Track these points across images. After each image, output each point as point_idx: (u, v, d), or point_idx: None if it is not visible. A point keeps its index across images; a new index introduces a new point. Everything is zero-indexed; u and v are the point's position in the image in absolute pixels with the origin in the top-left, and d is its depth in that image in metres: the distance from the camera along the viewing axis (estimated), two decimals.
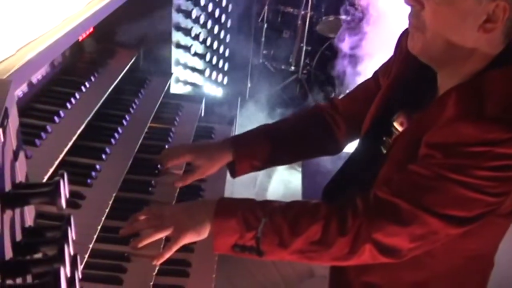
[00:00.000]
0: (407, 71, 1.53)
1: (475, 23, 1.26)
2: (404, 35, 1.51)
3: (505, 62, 1.30)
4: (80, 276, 0.89)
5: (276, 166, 1.90)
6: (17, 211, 0.86)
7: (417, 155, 1.33)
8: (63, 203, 0.80)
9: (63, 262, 0.69)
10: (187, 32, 2.47)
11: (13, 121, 0.90)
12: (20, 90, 1.56)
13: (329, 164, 2.85)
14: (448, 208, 1.26)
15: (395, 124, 1.51)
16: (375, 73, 1.77)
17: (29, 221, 0.94)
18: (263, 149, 1.77)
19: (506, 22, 1.25)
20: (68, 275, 0.72)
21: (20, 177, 0.93)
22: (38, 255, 0.82)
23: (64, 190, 0.82)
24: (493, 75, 1.29)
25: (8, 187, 0.80)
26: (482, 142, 1.20)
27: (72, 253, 0.80)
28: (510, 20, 1.25)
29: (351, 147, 1.78)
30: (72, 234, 0.86)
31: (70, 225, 0.84)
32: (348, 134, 1.82)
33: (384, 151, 1.53)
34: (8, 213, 0.78)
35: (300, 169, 3.55)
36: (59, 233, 0.81)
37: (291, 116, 1.91)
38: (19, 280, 0.73)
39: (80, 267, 1.20)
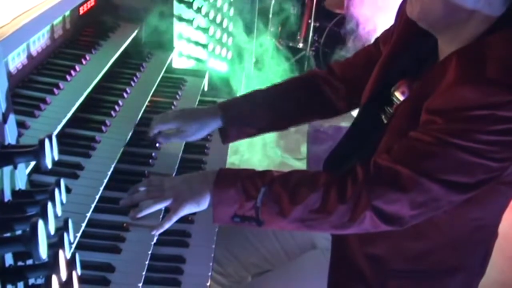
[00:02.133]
0: (407, 39, 1.50)
1: None
2: (405, 3, 1.48)
3: (506, 25, 1.26)
4: (72, 241, 0.89)
5: (268, 133, 1.88)
6: (7, 173, 0.85)
7: (418, 123, 1.30)
8: (48, 162, 0.79)
9: (43, 217, 0.69)
10: (189, 5, 2.44)
11: (2, 83, 0.90)
12: (20, 62, 1.56)
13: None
14: (450, 174, 1.24)
15: (396, 94, 1.48)
16: (377, 39, 1.74)
17: (21, 185, 0.94)
18: (252, 116, 1.76)
19: None
20: (52, 233, 0.71)
21: (11, 141, 0.92)
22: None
23: (52, 151, 0.81)
24: (494, 39, 1.25)
25: None
26: (484, 105, 1.17)
27: (59, 214, 0.80)
28: None
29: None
30: (61, 196, 0.85)
31: (59, 187, 0.83)
32: (348, 98, 1.79)
33: (385, 121, 1.51)
34: None
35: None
36: (47, 194, 0.80)
37: (284, 82, 1.87)
38: None
39: (76, 235, 1.21)
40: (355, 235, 1.51)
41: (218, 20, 2.80)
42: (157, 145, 1.83)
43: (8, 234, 0.70)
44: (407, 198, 1.27)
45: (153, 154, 1.80)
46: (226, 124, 1.74)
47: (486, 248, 1.56)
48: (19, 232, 0.73)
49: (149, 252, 1.40)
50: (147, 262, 1.38)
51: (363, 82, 1.63)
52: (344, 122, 3.90)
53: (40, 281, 0.83)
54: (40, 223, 0.63)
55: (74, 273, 0.83)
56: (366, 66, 1.68)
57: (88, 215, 1.31)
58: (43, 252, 0.64)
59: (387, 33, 1.66)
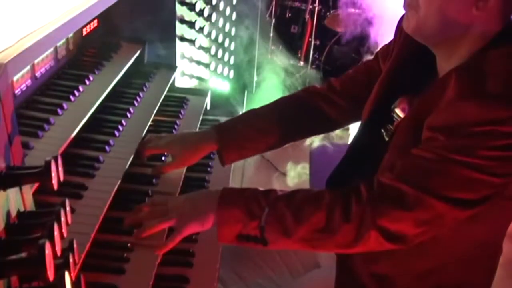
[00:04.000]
0: (406, 55, 1.51)
1: (468, 0, 1.24)
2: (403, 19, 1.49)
3: (504, 41, 1.27)
4: (77, 261, 0.89)
5: (266, 152, 1.88)
6: (12, 194, 0.86)
7: (419, 139, 1.30)
8: (55, 183, 0.79)
9: (50, 239, 0.69)
10: (191, 25, 2.46)
11: (8, 105, 0.90)
12: (24, 84, 1.57)
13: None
14: (453, 191, 1.24)
15: (397, 111, 1.48)
16: (376, 54, 1.75)
17: (26, 206, 0.94)
18: (248, 136, 1.74)
19: (501, 1, 1.23)
20: (59, 254, 0.71)
21: (16, 162, 0.92)
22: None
23: (57, 172, 0.82)
24: (492, 54, 1.26)
25: (1, 168, 0.80)
26: (485, 121, 1.17)
27: (65, 235, 0.79)
28: None
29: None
30: (67, 217, 0.85)
31: (64, 208, 0.84)
32: (348, 113, 1.79)
33: (386, 139, 1.51)
34: (1, 194, 0.78)
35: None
36: (53, 216, 0.80)
37: (278, 101, 1.85)
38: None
39: (81, 255, 1.21)
40: (360, 254, 1.50)
41: (220, 39, 2.83)
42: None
43: (14, 256, 0.70)
44: (412, 216, 1.27)
45: None
46: (222, 148, 1.73)
47: (491, 264, 1.55)
48: (25, 254, 0.73)
49: (153, 273, 1.39)
50: (151, 283, 1.37)
51: (363, 97, 1.63)
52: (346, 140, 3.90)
53: None
54: (48, 245, 0.63)
55: None
56: (366, 81, 1.69)
57: (92, 235, 1.31)
58: (50, 274, 0.64)
59: (386, 49, 1.67)
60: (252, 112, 1.82)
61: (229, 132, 1.74)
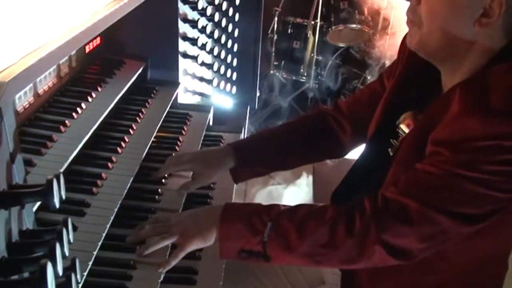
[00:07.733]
0: (411, 72, 1.51)
1: (471, 17, 1.24)
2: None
3: (508, 57, 1.26)
4: (79, 280, 0.88)
5: (279, 171, 1.91)
6: (14, 213, 0.85)
7: (424, 155, 1.30)
8: (56, 202, 0.79)
9: (52, 258, 0.68)
10: (193, 42, 2.47)
11: (10, 123, 0.90)
12: (27, 101, 1.57)
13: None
14: (457, 206, 1.23)
15: (402, 126, 1.48)
16: (381, 75, 1.76)
17: (28, 225, 0.93)
18: (264, 155, 1.76)
19: (504, 17, 1.23)
20: (60, 273, 0.71)
21: (18, 180, 0.92)
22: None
23: (60, 190, 0.81)
24: (496, 70, 1.25)
25: (3, 187, 0.80)
26: (489, 136, 1.17)
27: (67, 253, 0.79)
28: (508, 15, 1.22)
29: (356, 153, 1.75)
30: (69, 236, 0.85)
31: (66, 227, 0.83)
32: (354, 137, 1.80)
33: (391, 154, 1.51)
34: (3, 213, 0.77)
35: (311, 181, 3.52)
36: (54, 234, 0.80)
37: (294, 120, 1.89)
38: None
39: (83, 273, 1.20)
40: (364, 270, 1.49)
41: (222, 56, 2.83)
42: (163, 180, 1.83)
43: (16, 276, 0.70)
44: (416, 231, 1.26)
45: (159, 190, 1.79)
46: (238, 165, 1.75)
47: (497, 280, 1.54)
48: (27, 274, 0.73)
49: None
50: None
51: (368, 119, 1.63)
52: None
53: None
54: (49, 266, 0.63)
55: None
56: (370, 103, 1.68)
57: (95, 253, 1.30)
58: None
59: (391, 68, 1.67)
60: (268, 131, 1.85)
61: (246, 150, 1.77)
